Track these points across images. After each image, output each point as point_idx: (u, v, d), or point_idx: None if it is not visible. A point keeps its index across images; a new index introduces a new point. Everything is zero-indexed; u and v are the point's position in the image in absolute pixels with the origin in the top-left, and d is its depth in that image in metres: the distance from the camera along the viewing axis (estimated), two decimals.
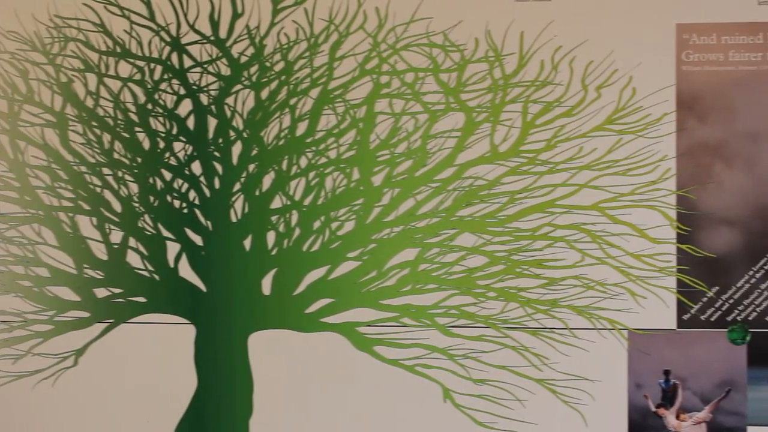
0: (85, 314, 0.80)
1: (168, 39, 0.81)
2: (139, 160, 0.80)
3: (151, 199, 0.81)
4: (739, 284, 0.79)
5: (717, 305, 0.79)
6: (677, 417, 0.80)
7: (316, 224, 0.80)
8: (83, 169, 0.79)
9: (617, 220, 0.79)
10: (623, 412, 0.79)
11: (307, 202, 0.80)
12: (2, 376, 0.81)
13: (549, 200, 0.79)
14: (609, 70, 0.79)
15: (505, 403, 0.79)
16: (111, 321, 0.80)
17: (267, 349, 0.80)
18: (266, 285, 0.81)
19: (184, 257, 0.80)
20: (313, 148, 0.79)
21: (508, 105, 0.80)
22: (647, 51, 0.80)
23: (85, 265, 0.80)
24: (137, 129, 0.80)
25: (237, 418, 0.80)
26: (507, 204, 0.80)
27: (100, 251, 0.80)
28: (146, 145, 0.80)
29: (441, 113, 0.80)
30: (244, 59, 0.80)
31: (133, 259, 0.80)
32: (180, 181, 0.80)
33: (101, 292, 0.80)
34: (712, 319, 0.79)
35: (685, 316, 0.79)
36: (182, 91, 0.80)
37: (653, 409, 0.80)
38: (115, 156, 0.80)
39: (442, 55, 0.80)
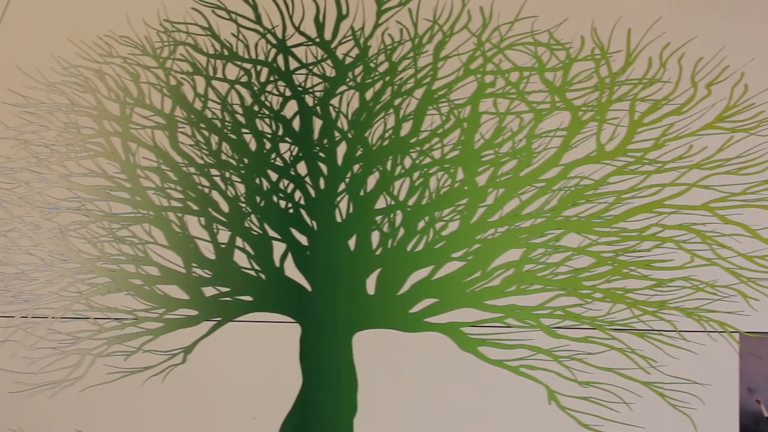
0: (194, 312, 1.14)
1: (274, 41, 1.14)
2: (246, 161, 1.13)
3: (258, 199, 1.14)
4: None
5: None
6: None
7: (421, 224, 1.11)
8: (192, 170, 1.13)
9: (728, 220, 1.08)
10: (734, 416, 1.08)
11: (411, 202, 1.11)
12: (114, 372, 1.15)
13: (657, 200, 1.09)
14: (720, 67, 1.08)
15: (611, 406, 1.09)
16: (218, 319, 1.13)
17: (371, 348, 1.12)
18: (370, 285, 1.11)
19: (289, 257, 1.12)
20: (418, 149, 1.10)
21: (615, 103, 1.10)
22: (760, 46, 1.09)
23: (194, 264, 1.14)
24: (244, 130, 1.13)
25: (341, 416, 1.13)
26: (614, 204, 1.09)
27: (208, 251, 1.12)
28: (253, 146, 1.14)
29: (546, 112, 1.10)
30: (348, 60, 1.12)
31: (240, 259, 1.12)
32: (286, 182, 1.13)
33: (209, 291, 1.12)
34: None
35: None
36: (288, 93, 1.13)
37: (766, 414, 1.09)
38: (223, 157, 1.14)
39: (547, 53, 1.10)
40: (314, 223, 1.10)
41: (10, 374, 1.14)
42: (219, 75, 1.11)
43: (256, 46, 1.11)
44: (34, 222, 1.13)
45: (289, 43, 1.10)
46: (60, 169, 1.12)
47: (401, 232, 1.09)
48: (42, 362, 1.14)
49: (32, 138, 1.13)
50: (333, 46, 1.10)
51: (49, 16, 1.14)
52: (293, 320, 1.11)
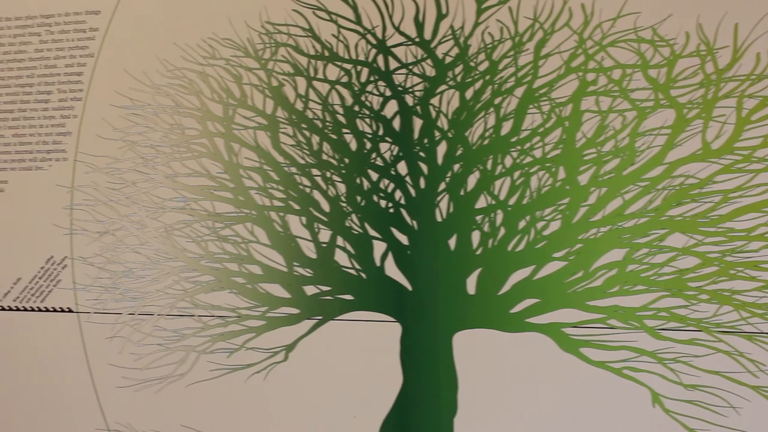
0: (295, 311, 1.54)
1: (374, 42, 1.54)
2: (347, 160, 1.54)
3: (358, 198, 1.54)
4: None
5: None
6: None
7: (521, 224, 1.47)
8: (293, 170, 1.55)
9: None
10: None
11: (512, 201, 1.46)
12: (217, 369, 1.59)
13: (766, 199, 1.37)
14: None
15: (718, 410, 1.41)
16: (320, 318, 1.53)
17: (472, 349, 1.51)
18: (471, 284, 1.48)
19: (390, 256, 1.50)
20: (518, 148, 1.44)
21: (722, 100, 1.43)
22: None
23: (295, 263, 1.56)
24: (345, 130, 1.54)
25: (442, 417, 1.52)
26: (720, 203, 1.37)
27: (310, 250, 1.52)
28: (353, 146, 1.53)
29: (650, 110, 1.45)
30: (448, 60, 1.50)
31: (341, 258, 1.51)
32: (386, 181, 1.51)
33: (310, 290, 1.51)
34: None
35: None
36: (388, 93, 1.52)
37: None
38: (324, 157, 1.54)
39: (651, 50, 1.46)
40: (414, 222, 1.51)
41: (118, 369, 1.61)
42: (320, 76, 1.53)
43: (356, 46, 1.52)
44: (140, 221, 1.59)
45: (389, 43, 1.51)
46: (165, 170, 1.58)
47: (502, 231, 1.48)
48: (148, 358, 1.60)
49: (139, 139, 1.59)
50: (433, 45, 1.50)
51: (155, 20, 1.59)
52: (394, 319, 1.51)
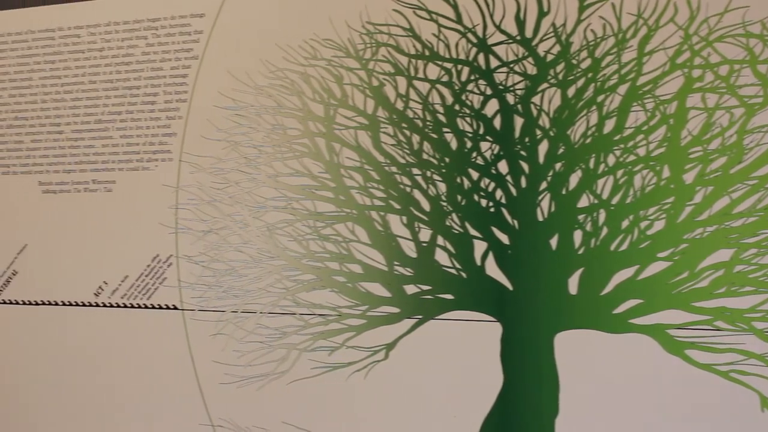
0: (396, 310, 1.71)
1: (474, 40, 1.72)
2: (447, 160, 1.72)
3: (459, 198, 1.71)
4: None
5: None
6: None
7: (625, 223, 1.58)
8: (394, 169, 1.73)
9: None
10: None
11: (615, 200, 1.57)
12: (319, 367, 1.79)
13: None
14: None
15: None
16: (420, 317, 1.70)
17: (573, 349, 1.67)
18: (573, 284, 1.60)
19: (490, 255, 1.70)
20: (622, 146, 1.54)
21: None
22: None
23: (396, 263, 1.75)
24: (445, 130, 1.73)
25: (543, 417, 1.69)
26: None
27: (410, 249, 1.68)
28: (454, 145, 1.71)
29: (759, 107, 1.56)
30: (550, 58, 1.67)
31: (441, 257, 1.67)
32: (487, 181, 1.68)
33: (411, 289, 1.65)
34: None
35: None
36: (489, 92, 1.69)
37: None
38: (424, 156, 1.72)
39: (759, 45, 1.57)
40: (515, 221, 1.69)
41: (221, 366, 1.84)
42: (420, 75, 1.72)
43: (456, 45, 1.70)
44: (243, 220, 1.82)
45: (490, 41, 1.68)
46: (268, 170, 1.80)
47: (604, 231, 1.63)
48: (250, 355, 1.82)
49: (242, 139, 1.82)
50: (534, 43, 1.66)
51: (257, 22, 1.82)
52: (494, 319, 1.69)
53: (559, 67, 1.58)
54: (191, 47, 1.77)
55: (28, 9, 1.94)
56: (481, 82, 1.61)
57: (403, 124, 1.62)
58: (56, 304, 1.91)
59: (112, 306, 1.86)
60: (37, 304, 1.93)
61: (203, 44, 1.76)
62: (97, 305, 1.87)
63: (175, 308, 1.78)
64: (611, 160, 1.57)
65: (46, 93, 1.91)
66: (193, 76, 1.76)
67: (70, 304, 1.90)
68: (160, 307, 1.79)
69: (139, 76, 1.82)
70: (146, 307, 1.82)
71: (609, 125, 1.55)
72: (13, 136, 1.95)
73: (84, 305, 1.88)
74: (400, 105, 1.63)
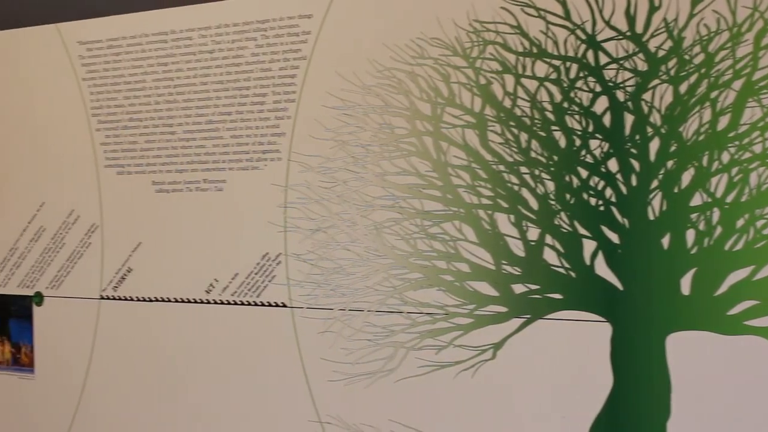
0: (503, 309, 1.75)
1: (583, 37, 1.73)
2: (555, 158, 1.73)
3: (567, 196, 1.72)
4: None
5: None
6: None
7: (740, 222, 1.55)
8: (501, 167, 1.76)
9: None
10: None
11: (729, 199, 1.56)
12: (425, 366, 1.83)
13: None
14: None
15: None
16: (528, 317, 1.72)
17: (685, 351, 1.67)
18: (685, 285, 1.58)
19: (600, 255, 1.71)
20: (736, 143, 1.53)
21: None
22: None
23: (504, 262, 1.77)
24: (553, 127, 1.74)
25: (654, 420, 1.68)
26: None
27: (518, 248, 1.69)
28: (562, 143, 1.71)
29: None
30: (661, 53, 1.66)
31: (550, 256, 1.68)
32: (596, 179, 1.68)
33: (519, 288, 1.68)
34: None
35: None
36: (598, 89, 1.69)
37: None
38: (532, 155, 1.73)
39: None
40: (626, 220, 1.68)
41: (329, 363, 1.89)
42: (528, 73, 1.74)
43: (565, 42, 1.70)
44: (351, 219, 1.87)
45: (599, 37, 1.68)
46: (375, 168, 1.84)
47: (718, 230, 1.62)
48: (358, 353, 1.86)
49: (349, 139, 1.86)
50: (645, 39, 1.66)
51: (365, 21, 1.86)
52: (603, 319, 1.70)
53: (671, 63, 1.58)
54: (299, 48, 1.82)
55: (141, 13, 2.02)
56: (590, 79, 1.62)
57: (511, 123, 1.64)
58: (169, 300, 1.99)
59: (222, 303, 1.94)
60: (150, 300, 2.02)
61: (311, 45, 1.81)
62: (208, 302, 1.94)
63: (284, 306, 1.84)
64: (725, 157, 1.57)
65: (159, 95, 2.00)
66: (302, 76, 1.82)
67: (183, 301, 1.98)
68: (270, 305, 1.85)
69: (249, 77, 1.89)
70: (256, 304, 1.89)
71: (723, 122, 1.54)
72: (127, 137, 2.04)
73: (195, 302, 1.95)
74: (507, 103, 1.65)
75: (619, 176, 1.61)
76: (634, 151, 1.60)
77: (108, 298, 2.07)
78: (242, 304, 1.89)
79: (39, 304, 2.18)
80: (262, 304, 1.87)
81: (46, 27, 2.16)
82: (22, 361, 2.25)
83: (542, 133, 1.64)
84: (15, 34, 2.23)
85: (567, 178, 1.63)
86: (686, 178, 1.59)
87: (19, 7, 2.23)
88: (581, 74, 1.63)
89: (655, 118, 1.59)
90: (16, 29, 2.22)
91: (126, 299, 2.04)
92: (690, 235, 1.58)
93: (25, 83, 2.19)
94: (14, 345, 2.26)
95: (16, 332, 2.25)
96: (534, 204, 1.65)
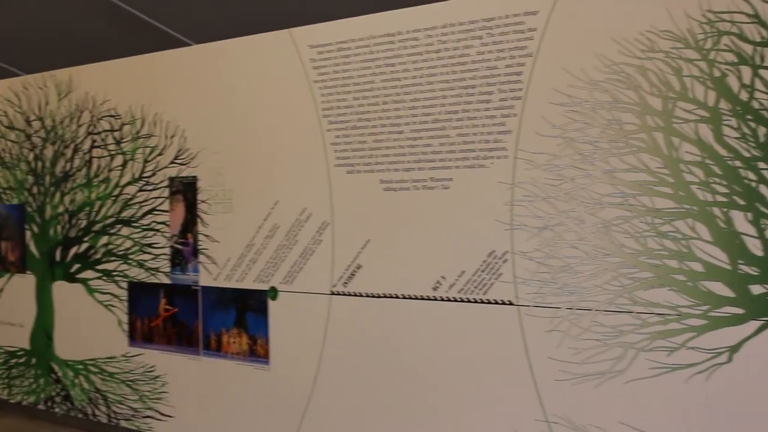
0: (740, 311, 1.73)
1: None
2: None
3: None
4: None
5: None
6: None
7: None
8: (738, 163, 1.74)
9: None
10: None
11: None
12: (656, 368, 1.83)
13: None
14: None
15: None
16: (766, 319, 1.75)
17: None
18: None
19: None
20: None
21: None
22: None
23: (740, 261, 1.74)
24: None
25: None
26: None
27: (756, 247, 1.66)
28: None
29: None
30: None
31: None
32: None
33: (757, 289, 1.68)
34: None
35: None
36: None
37: None
38: None
39: None
40: None
41: (557, 363, 1.92)
42: (767, 63, 1.71)
43: None
44: (578, 217, 1.89)
45: None
46: (603, 165, 1.85)
47: None
48: (586, 353, 1.88)
49: (576, 135, 1.88)
50: None
51: (591, 16, 1.87)
52: None
53: None
54: (525, 45, 1.86)
55: (368, 15, 2.11)
56: None
57: (748, 116, 1.61)
58: (397, 297, 2.08)
59: (449, 300, 2.00)
60: (379, 296, 2.11)
61: (537, 41, 1.84)
62: (435, 299, 2.00)
63: (511, 304, 1.87)
64: None
65: (387, 95, 2.08)
66: (528, 73, 1.85)
67: (410, 298, 2.05)
68: (496, 302, 1.90)
69: (474, 75, 1.94)
70: (482, 302, 1.93)
71: None
72: (356, 136, 2.14)
73: (423, 299, 2.02)
74: (744, 96, 1.62)
75: None
76: None
77: (338, 294, 2.18)
78: (469, 301, 1.94)
79: (274, 298, 2.33)
80: (489, 302, 1.91)
81: (279, 32, 2.29)
82: (258, 353, 2.40)
83: None
84: (250, 41, 2.38)
85: None
86: None
87: (252, 15, 2.38)
88: None
89: None
90: (251, 35, 2.37)
91: (355, 295, 2.14)
92: None
93: (260, 87, 2.34)
94: (251, 337, 2.41)
95: (253, 325, 2.41)
96: None
